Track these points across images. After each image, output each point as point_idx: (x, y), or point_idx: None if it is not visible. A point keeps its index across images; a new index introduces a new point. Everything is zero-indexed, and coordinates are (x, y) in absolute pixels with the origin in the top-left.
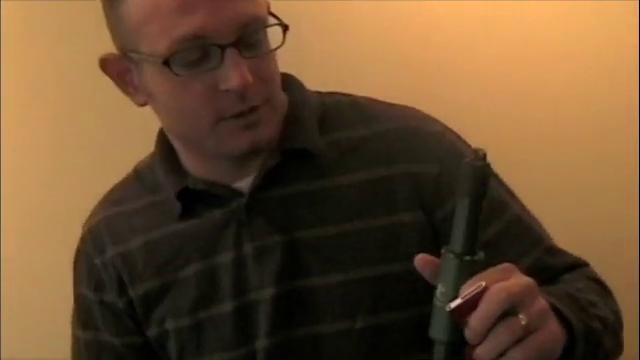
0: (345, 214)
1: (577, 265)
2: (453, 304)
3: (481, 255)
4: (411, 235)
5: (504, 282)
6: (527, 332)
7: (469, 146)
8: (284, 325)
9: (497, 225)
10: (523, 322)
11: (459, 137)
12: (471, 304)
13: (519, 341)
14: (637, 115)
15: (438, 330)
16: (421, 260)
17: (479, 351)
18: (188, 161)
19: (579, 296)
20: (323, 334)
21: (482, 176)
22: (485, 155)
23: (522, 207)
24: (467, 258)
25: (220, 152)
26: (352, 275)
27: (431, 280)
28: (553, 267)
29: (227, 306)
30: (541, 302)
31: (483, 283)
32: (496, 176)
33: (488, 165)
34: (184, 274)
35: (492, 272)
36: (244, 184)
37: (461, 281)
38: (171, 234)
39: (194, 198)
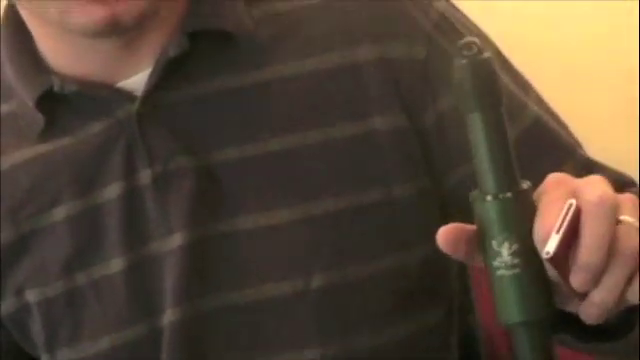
0: (288, 122)
1: (621, 184)
2: (550, 245)
3: (528, 183)
4: (388, 149)
5: (586, 188)
6: None
7: (466, 23)
8: (201, 290)
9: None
10: (636, 224)
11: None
12: (567, 238)
13: None
14: (637, 115)
15: (520, 307)
16: (445, 235)
17: (598, 294)
18: (48, 47)
19: None
20: (261, 301)
21: (487, 75)
22: (478, 44)
23: (540, 102)
24: (513, 192)
25: (65, 26)
26: (302, 212)
27: (466, 258)
28: None
29: (116, 264)
30: (627, 194)
31: (572, 201)
32: (504, 63)
33: (489, 59)
34: (50, 219)
35: (554, 189)
36: (135, 82)
37: (520, 224)
38: (29, 161)
39: (62, 106)
